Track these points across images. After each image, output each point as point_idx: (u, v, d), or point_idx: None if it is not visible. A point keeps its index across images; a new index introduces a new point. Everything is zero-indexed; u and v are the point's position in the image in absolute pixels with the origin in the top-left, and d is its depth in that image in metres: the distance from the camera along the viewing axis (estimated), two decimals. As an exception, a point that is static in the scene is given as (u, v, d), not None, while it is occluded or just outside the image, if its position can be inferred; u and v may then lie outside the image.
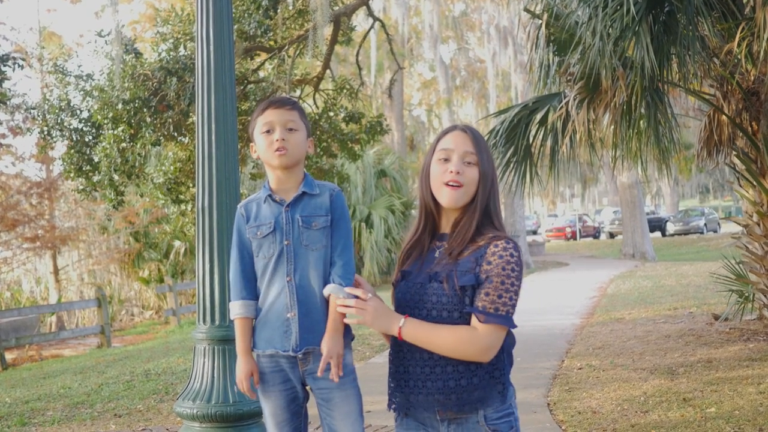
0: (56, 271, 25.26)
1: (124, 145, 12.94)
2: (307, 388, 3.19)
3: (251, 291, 3.17)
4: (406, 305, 2.92)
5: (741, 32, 7.95)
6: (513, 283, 2.80)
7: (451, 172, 2.91)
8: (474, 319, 2.80)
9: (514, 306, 2.81)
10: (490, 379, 2.84)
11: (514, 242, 2.87)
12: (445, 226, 3.01)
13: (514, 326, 2.84)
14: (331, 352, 3.01)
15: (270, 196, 3.18)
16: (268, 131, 3.16)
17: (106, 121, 12.71)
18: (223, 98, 4.13)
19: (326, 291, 3.08)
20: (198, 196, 4.12)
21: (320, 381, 3.10)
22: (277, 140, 3.13)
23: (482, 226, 2.92)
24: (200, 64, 4.18)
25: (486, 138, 9.96)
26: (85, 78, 14.38)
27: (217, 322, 4.05)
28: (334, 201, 3.20)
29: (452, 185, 2.91)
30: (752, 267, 10.12)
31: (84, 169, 14.04)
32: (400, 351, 2.92)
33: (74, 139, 13.98)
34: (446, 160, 2.94)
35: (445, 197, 2.93)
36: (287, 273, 3.10)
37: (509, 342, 2.93)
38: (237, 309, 3.15)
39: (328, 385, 3.09)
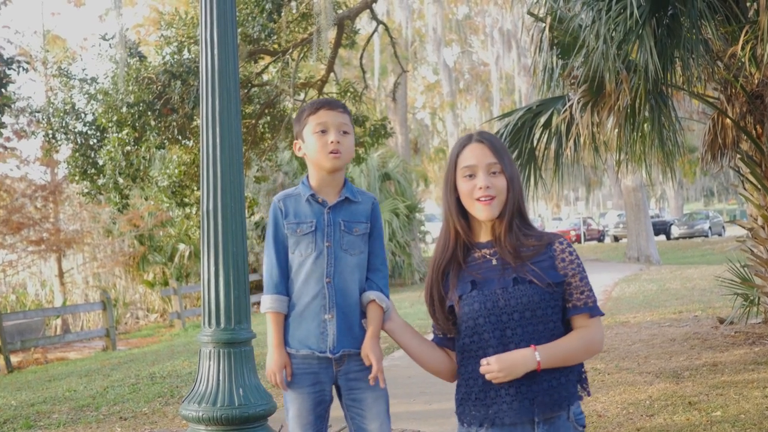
0: (61, 274, 25.27)
1: (128, 148, 12.98)
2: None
3: (285, 286, 3.20)
4: (489, 313, 2.90)
5: (745, 35, 7.94)
6: (585, 274, 2.98)
7: (480, 188, 2.94)
8: (582, 319, 2.94)
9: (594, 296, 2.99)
10: (577, 375, 2.95)
11: (563, 237, 3.01)
12: (484, 235, 3.03)
13: (603, 313, 3.02)
14: (379, 358, 3.09)
15: (312, 195, 3.20)
16: (322, 131, 3.17)
17: (110, 125, 12.75)
18: (227, 101, 4.14)
19: (370, 296, 3.13)
20: (203, 200, 4.13)
21: (354, 382, 3.16)
22: (332, 142, 3.16)
23: (520, 225, 2.99)
24: (204, 67, 4.19)
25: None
26: (89, 81, 14.42)
27: (222, 325, 4.05)
28: (375, 210, 3.28)
29: (484, 200, 2.94)
30: (757, 270, 10.10)
31: (89, 172, 14.08)
32: (471, 364, 2.92)
33: (79, 142, 14.03)
34: (472, 176, 2.97)
35: (481, 212, 2.96)
36: (327, 275, 3.14)
37: None
38: (270, 303, 3.18)
39: (361, 386, 3.15)
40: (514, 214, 2.97)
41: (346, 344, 3.12)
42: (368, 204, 3.26)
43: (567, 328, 2.95)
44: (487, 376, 2.84)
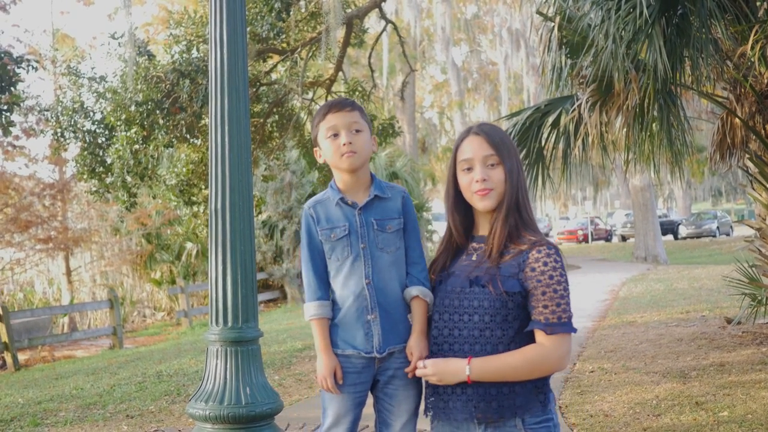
0: (69, 273, 25.32)
1: (136, 146, 13.00)
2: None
3: (326, 291, 3.21)
4: (445, 310, 2.94)
5: (754, 35, 7.91)
6: (565, 288, 2.83)
7: (477, 181, 2.95)
8: (539, 334, 2.83)
9: (570, 310, 2.84)
10: (532, 387, 2.86)
11: (555, 247, 2.89)
12: (482, 228, 3.04)
13: (575, 330, 2.87)
14: (423, 353, 3.07)
15: (342, 198, 3.20)
16: (334, 135, 3.18)
17: (119, 123, 12.76)
18: (236, 100, 4.14)
19: (413, 292, 3.13)
20: (211, 198, 4.13)
21: (392, 378, 3.16)
22: (344, 144, 3.16)
23: (518, 222, 2.94)
24: (213, 66, 4.19)
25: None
26: (98, 80, 14.44)
27: (229, 324, 4.06)
28: (406, 204, 3.27)
29: (481, 193, 2.94)
30: (765, 270, 10.08)
31: (97, 170, 14.11)
32: (439, 355, 2.95)
33: (87, 140, 14.04)
34: (469, 169, 2.98)
35: (478, 203, 2.97)
36: (365, 276, 3.13)
37: None
38: (314, 310, 3.19)
39: (397, 382, 3.15)
40: (511, 208, 2.94)
41: (391, 342, 3.13)
42: (398, 198, 3.25)
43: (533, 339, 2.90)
44: (423, 378, 2.95)
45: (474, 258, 2.96)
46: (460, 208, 3.06)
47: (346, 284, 3.15)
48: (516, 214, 2.94)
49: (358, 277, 3.13)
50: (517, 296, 2.83)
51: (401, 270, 3.18)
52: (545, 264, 2.83)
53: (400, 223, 3.20)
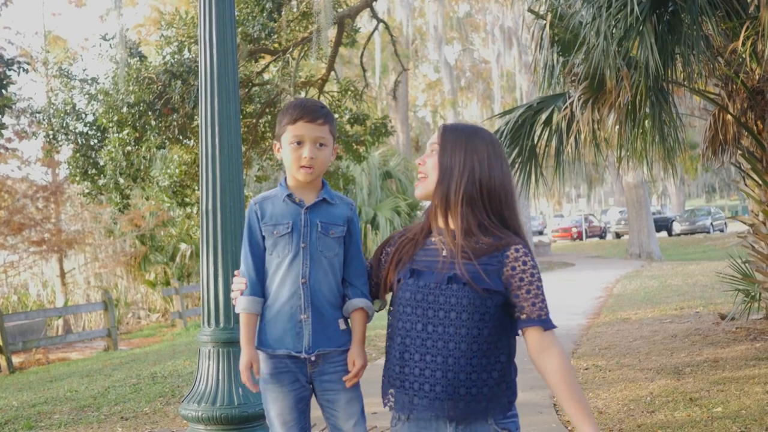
0: (63, 275, 25.29)
1: (129, 148, 12.97)
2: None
3: (260, 288, 3.21)
4: (418, 305, 2.88)
5: (745, 31, 7.93)
6: (541, 285, 2.87)
7: (419, 163, 3.02)
8: (536, 331, 2.84)
9: (547, 308, 2.88)
10: (498, 390, 2.85)
11: (525, 243, 2.89)
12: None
13: (555, 326, 2.89)
14: (364, 365, 3.13)
15: (289, 195, 3.20)
16: (298, 143, 3.18)
17: (111, 125, 12.73)
18: (226, 101, 4.13)
19: (358, 304, 3.16)
20: (202, 199, 4.13)
21: (328, 383, 3.16)
22: (305, 158, 3.16)
23: (486, 221, 2.90)
24: (203, 66, 4.18)
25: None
26: (90, 82, 14.41)
27: (221, 325, 4.05)
28: (354, 215, 3.29)
29: (420, 178, 3.01)
30: (758, 266, 10.10)
31: (89, 172, 14.08)
32: (406, 350, 2.88)
33: (79, 142, 14.02)
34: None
35: (416, 190, 3.05)
36: (302, 275, 3.14)
37: (514, 350, 2.95)
38: (244, 304, 3.18)
39: (335, 387, 3.15)
40: (441, 202, 2.93)
41: (321, 344, 3.13)
42: (346, 208, 3.27)
43: (509, 341, 2.90)
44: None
45: (444, 254, 2.93)
46: None
47: (282, 282, 3.16)
48: (471, 210, 2.91)
49: (295, 276, 3.14)
50: (498, 295, 2.82)
51: (337, 276, 3.20)
52: (524, 264, 2.83)
53: (343, 231, 3.22)
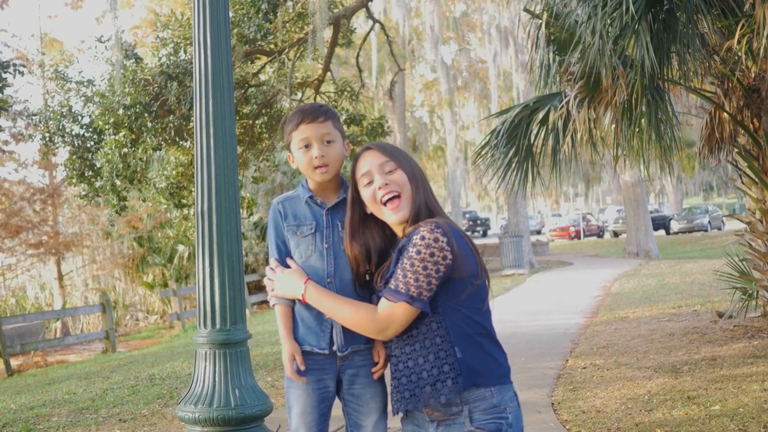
0: (60, 277, 25.28)
1: (125, 150, 12.97)
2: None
3: None
4: None
5: (741, 29, 7.93)
6: (418, 262, 2.80)
7: (380, 187, 2.99)
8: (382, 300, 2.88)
9: (418, 286, 2.80)
10: (438, 372, 2.85)
11: (440, 224, 2.85)
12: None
13: (416, 305, 2.81)
14: (389, 356, 3.14)
15: (311, 197, 3.25)
16: (306, 146, 3.20)
17: (107, 127, 12.73)
18: (221, 102, 4.12)
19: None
20: (197, 200, 4.12)
21: (355, 377, 3.20)
22: (316, 157, 3.19)
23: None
24: (197, 68, 4.17)
25: (487, 138, 10.02)
26: (86, 84, 14.41)
27: (218, 326, 4.04)
28: None
29: (389, 198, 2.98)
30: (756, 264, 10.10)
31: (86, 174, 14.08)
32: (392, 355, 3.00)
33: (76, 144, 14.02)
34: (370, 182, 3.03)
35: (390, 215, 3.01)
36: (327, 275, 3.18)
37: (465, 329, 2.89)
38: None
39: (362, 381, 3.20)
40: (422, 211, 2.95)
41: (353, 341, 3.16)
42: None
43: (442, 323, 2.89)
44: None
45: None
46: (362, 235, 3.10)
47: None
48: (428, 214, 2.96)
49: (320, 276, 3.17)
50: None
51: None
52: (422, 238, 2.81)
53: None
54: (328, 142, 3.21)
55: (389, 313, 2.84)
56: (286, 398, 3.28)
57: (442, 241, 2.80)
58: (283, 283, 3.06)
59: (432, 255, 2.79)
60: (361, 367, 3.18)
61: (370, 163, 3.02)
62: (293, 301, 3.24)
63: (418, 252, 2.79)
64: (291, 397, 3.22)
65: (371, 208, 3.03)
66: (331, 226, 3.21)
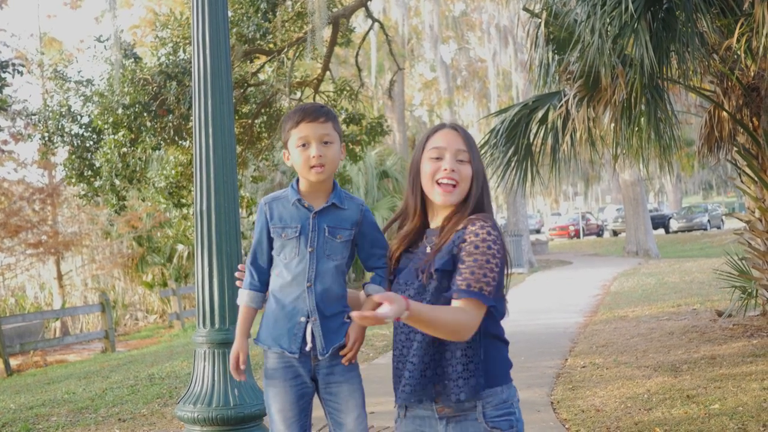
0: (60, 277, 25.27)
1: (124, 149, 12.96)
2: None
3: (262, 284, 3.27)
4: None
5: (740, 28, 7.93)
6: (488, 260, 2.77)
7: (445, 170, 2.92)
8: (456, 302, 2.77)
9: (489, 284, 2.75)
10: (463, 369, 2.81)
11: (493, 221, 2.85)
12: (434, 222, 3.02)
13: (491, 304, 2.78)
14: (357, 339, 3.15)
15: (299, 199, 3.23)
16: (303, 145, 3.19)
17: (106, 126, 12.73)
18: (219, 102, 4.13)
19: (369, 290, 3.20)
20: (196, 200, 4.12)
21: (330, 376, 3.18)
22: (314, 157, 3.17)
23: None
24: (197, 68, 4.18)
25: (486, 137, 10.01)
26: (85, 83, 14.41)
27: (216, 326, 4.05)
28: (363, 216, 3.28)
29: (446, 183, 2.92)
30: (755, 263, 10.10)
31: (85, 174, 14.08)
32: (397, 347, 2.96)
33: (75, 144, 14.01)
34: (438, 158, 2.95)
35: (438, 196, 2.94)
36: (308, 279, 3.16)
37: (490, 330, 2.87)
38: (245, 297, 3.25)
39: (337, 379, 3.17)
40: (469, 209, 2.92)
41: (332, 342, 3.16)
42: (355, 211, 3.27)
43: None
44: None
45: (428, 250, 2.94)
46: (419, 197, 3.04)
47: (288, 283, 3.19)
48: (478, 211, 2.93)
49: (300, 279, 3.16)
50: (449, 276, 2.80)
51: (342, 277, 3.23)
52: (476, 235, 2.78)
53: (351, 234, 3.23)
54: (327, 143, 3.20)
55: (472, 315, 2.75)
56: (265, 398, 3.26)
57: (498, 236, 2.82)
58: (395, 309, 2.60)
59: (500, 250, 2.80)
60: (335, 365, 3.16)
61: (448, 142, 2.96)
62: (260, 306, 3.26)
63: (489, 247, 2.77)
64: (270, 395, 3.21)
65: (423, 181, 2.98)
66: (317, 230, 3.18)
